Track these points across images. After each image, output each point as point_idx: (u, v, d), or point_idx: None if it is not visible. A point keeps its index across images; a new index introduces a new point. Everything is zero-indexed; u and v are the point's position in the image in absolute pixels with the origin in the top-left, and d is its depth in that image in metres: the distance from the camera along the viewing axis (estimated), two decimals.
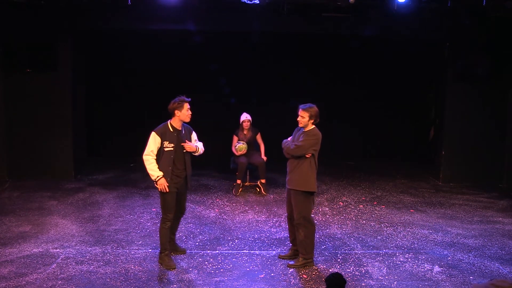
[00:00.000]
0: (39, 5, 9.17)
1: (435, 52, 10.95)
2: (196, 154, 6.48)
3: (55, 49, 9.69)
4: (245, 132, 9.36)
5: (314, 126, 6.40)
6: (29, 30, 9.59)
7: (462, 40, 10.06)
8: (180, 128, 6.32)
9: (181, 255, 6.67)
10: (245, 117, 9.35)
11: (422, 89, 12.03)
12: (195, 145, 6.45)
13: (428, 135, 12.04)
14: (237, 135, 9.43)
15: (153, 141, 6.24)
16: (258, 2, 8.66)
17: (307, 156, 6.26)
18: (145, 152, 6.28)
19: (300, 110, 6.36)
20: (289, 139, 6.53)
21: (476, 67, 10.11)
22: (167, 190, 6.21)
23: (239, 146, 9.24)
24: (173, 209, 6.35)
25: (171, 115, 6.31)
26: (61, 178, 9.95)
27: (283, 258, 6.62)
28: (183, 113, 6.25)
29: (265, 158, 9.35)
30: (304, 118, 6.32)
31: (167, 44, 11.23)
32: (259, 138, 9.49)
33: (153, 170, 6.21)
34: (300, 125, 6.39)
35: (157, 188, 6.28)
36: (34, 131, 9.91)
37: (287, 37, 11.25)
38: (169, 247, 6.47)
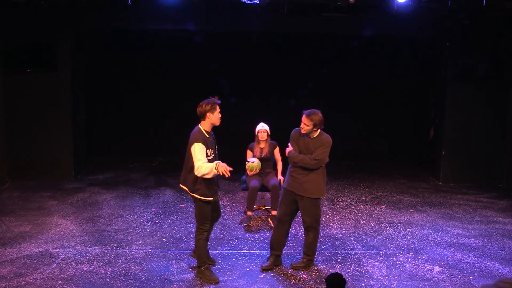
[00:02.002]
0: (39, 5, 9.16)
1: (435, 52, 10.96)
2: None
3: (55, 49, 9.69)
4: (261, 145, 7.88)
5: (320, 131, 6.19)
6: (29, 30, 9.59)
7: (462, 40, 10.06)
8: (210, 132, 5.98)
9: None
10: (261, 126, 7.87)
11: (422, 89, 12.03)
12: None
13: (428, 135, 12.04)
14: (251, 150, 7.96)
15: (201, 152, 5.70)
16: (258, 2, 8.66)
17: (322, 165, 6.20)
18: (196, 166, 5.68)
19: (304, 117, 6.10)
20: (290, 147, 6.28)
21: (476, 67, 10.11)
22: (229, 169, 5.67)
23: (250, 165, 7.30)
24: (210, 218, 6.04)
25: (201, 118, 5.87)
26: (61, 178, 9.95)
27: (264, 270, 6.32)
28: (215, 116, 5.85)
29: (282, 179, 7.67)
30: (308, 126, 6.08)
31: (167, 44, 11.24)
32: (277, 153, 8.00)
33: (208, 167, 5.65)
34: (303, 132, 6.17)
35: (194, 199, 5.91)
36: (34, 131, 9.91)
37: (287, 37, 11.25)
38: (208, 259, 6.20)
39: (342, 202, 9.08)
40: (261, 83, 11.64)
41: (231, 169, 5.72)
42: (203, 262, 6.09)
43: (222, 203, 8.85)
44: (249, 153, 7.96)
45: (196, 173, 5.72)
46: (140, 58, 11.52)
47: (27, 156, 9.95)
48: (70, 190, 9.43)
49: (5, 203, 8.67)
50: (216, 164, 5.69)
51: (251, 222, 7.80)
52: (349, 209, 8.74)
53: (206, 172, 5.68)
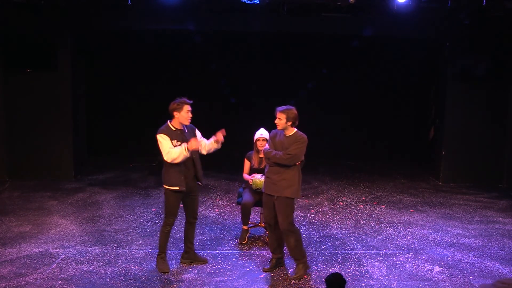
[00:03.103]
0: (39, 5, 9.17)
1: (435, 52, 10.95)
2: (204, 152, 6.28)
3: (55, 49, 9.69)
4: (260, 155, 7.13)
5: (295, 129, 6.16)
6: (29, 30, 9.60)
7: (462, 40, 10.06)
8: (182, 128, 6.16)
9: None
10: (260, 134, 7.15)
11: (422, 89, 12.03)
12: (200, 141, 6.24)
13: (428, 135, 12.04)
14: (249, 160, 7.28)
15: (165, 140, 5.99)
16: (258, 2, 8.67)
17: (297, 163, 6.08)
18: (164, 153, 5.98)
19: (278, 112, 6.09)
20: (266, 145, 6.29)
21: (476, 67, 10.11)
22: (198, 145, 6.03)
23: (255, 181, 7.00)
24: (175, 214, 6.21)
25: (170, 116, 6.16)
26: (61, 178, 9.95)
27: (267, 271, 6.31)
28: (182, 115, 6.07)
29: None
30: (281, 120, 6.06)
31: (167, 44, 11.24)
32: None
33: (177, 152, 5.93)
34: (278, 128, 6.14)
35: (164, 190, 6.14)
36: (34, 131, 9.91)
37: (287, 37, 11.25)
38: (166, 250, 6.31)
39: (342, 202, 9.08)
40: (261, 83, 11.64)
41: (198, 145, 6.07)
42: (161, 251, 6.29)
43: (222, 203, 8.86)
44: (246, 163, 7.29)
45: (166, 159, 6.00)
46: (140, 58, 11.52)
47: (27, 156, 9.95)
48: (70, 190, 9.43)
49: (5, 203, 8.67)
50: (183, 146, 5.95)
51: (245, 239, 7.18)
52: (349, 209, 8.74)
53: (175, 156, 5.95)
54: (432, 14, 9.53)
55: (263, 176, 6.80)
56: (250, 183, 7.09)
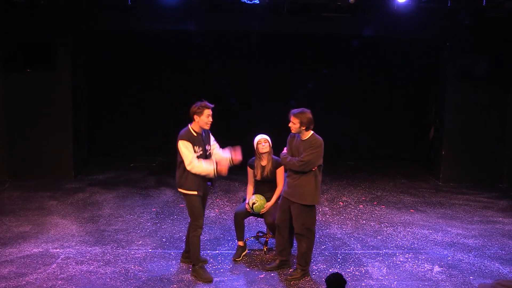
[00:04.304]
0: (39, 5, 9.17)
1: (435, 52, 10.96)
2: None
3: (55, 49, 9.69)
4: (262, 162, 6.59)
5: (311, 132, 5.97)
6: (29, 30, 9.60)
7: (462, 40, 10.07)
8: (201, 132, 6.06)
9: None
10: (261, 136, 6.61)
11: (422, 89, 12.04)
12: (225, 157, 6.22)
13: (428, 135, 12.05)
14: (252, 167, 6.73)
15: (187, 148, 5.87)
16: (258, 2, 8.67)
17: (313, 169, 5.94)
18: (187, 162, 5.85)
19: (291, 116, 5.91)
20: (285, 150, 6.18)
21: (476, 67, 10.11)
22: (227, 170, 6.04)
23: (253, 202, 6.54)
24: (202, 214, 6.09)
25: (191, 119, 6.02)
26: (61, 178, 9.95)
27: (268, 270, 6.29)
28: (202, 120, 5.96)
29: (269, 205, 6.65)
30: (295, 124, 5.92)
31: (167, 44, 11.23)
32: (279, 174, 6.57)
33: (206, 169, 5.91)
34: (292, 131, 6.03)
35: (183, 194, 6.04)
36: (34, 131, 9.91)
37: (287, 37, 11.26)
38: (201, 258, 6.19)
39: (342, 202, 9.08)
40: (261, 83, 11.63)
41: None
42: (197, 261, 6.11)
43: (222, 203, 8.86)
44: (250, 172, 6.78)
45: (189, 168, 5.89)
46: (140, 58, 11.51)
47: (27, 156, 9.95)
48: (70, 190, 9.43)
49: (5, 203, 8.67)
50: (213, 168, 5.96)
51: (240, 257, 6.62)
52: (349, 209, 8.74)
53: (200, 171, 5.91)
54: (432, 14, 9.53)
55: (257, 199, 6.56)
56: (247, 208, 6.60)
